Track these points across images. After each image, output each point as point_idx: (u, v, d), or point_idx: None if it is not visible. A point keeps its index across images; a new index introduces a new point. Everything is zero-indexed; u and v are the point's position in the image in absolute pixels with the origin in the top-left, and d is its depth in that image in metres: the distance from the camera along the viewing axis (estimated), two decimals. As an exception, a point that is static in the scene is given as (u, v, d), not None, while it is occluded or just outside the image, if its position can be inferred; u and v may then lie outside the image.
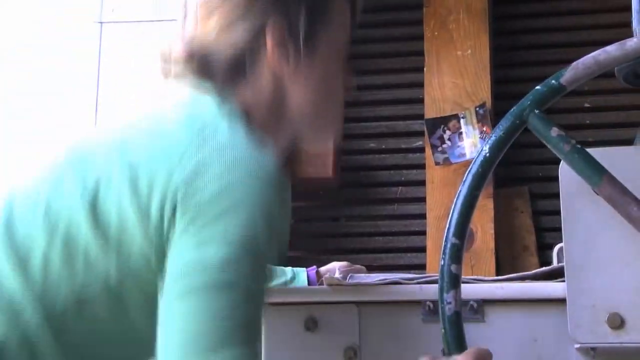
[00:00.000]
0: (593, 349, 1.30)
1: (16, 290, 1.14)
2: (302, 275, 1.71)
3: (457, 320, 1.16)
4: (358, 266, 1.80)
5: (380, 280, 1.43)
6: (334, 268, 1.78)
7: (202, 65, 1.26)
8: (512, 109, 1.23)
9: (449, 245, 1.18)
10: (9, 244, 1.16)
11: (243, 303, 1.08)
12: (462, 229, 1.18)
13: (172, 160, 1.12)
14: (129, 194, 1.12)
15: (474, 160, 1.21)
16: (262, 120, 1.26)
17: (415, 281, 1.41)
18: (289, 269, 1.73)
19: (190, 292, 1.07)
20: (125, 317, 1.17)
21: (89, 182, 1.16)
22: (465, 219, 1.19)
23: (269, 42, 1.25)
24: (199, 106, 1.21)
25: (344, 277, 1.51)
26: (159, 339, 1.08)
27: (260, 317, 1.12)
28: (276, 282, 1.69)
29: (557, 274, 1.39)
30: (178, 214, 1.10)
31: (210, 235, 1.09)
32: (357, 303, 1.43)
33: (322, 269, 1.78)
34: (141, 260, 1.13)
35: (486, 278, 1.45)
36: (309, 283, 1.71)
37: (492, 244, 2.66)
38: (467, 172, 1.20)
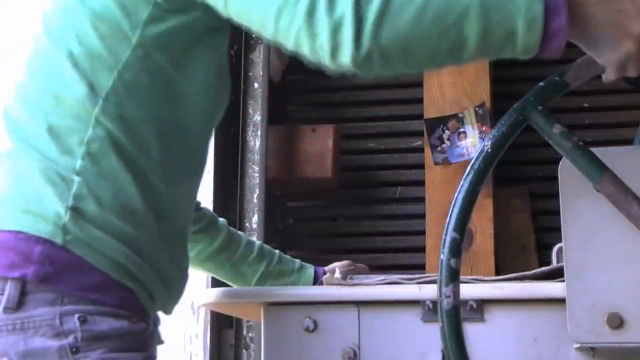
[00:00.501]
0: (593, 348, 1.30)
1: (77, 89, 1.22)
2: (309, 270, 1.71)
3: (456, 314, 1.16)
4: (360, 265, 1.80)
5: (379, 280, 1.43)
6: (344, 264, 1.78)
7: None
8: (514, 105, 1.23)
9: (448, 240, 1.17)
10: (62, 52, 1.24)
11: None
12: (463, 224, 1.18)
13: None
14: None
15: (475, 156, 1.20)
16: None
17: (415, 281, 1.41)
18: (297, 260, 1.73)
19: None
20: (163, 74, 1.24)
21: None
22: (466, 214, 1.18)
23: None
24: None
25: (344, 277, 1.51)
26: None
27: None
28: (283, 266, 1.68)
29: (556, 274, 1.38)
30: None
31: None
32: (357, 303, 1.43)
33: (327, 268, 1.77)
34: (151, 12, 1.22)
35: (486, 278, 1.45)
36: (316, 279, 1.71)
37: (491, 244, 2.66)
38: (469, 168, 1.20)
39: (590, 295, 1.24)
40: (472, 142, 2.68)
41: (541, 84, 1.23)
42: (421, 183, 2.78)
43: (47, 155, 1.20)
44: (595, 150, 1.28)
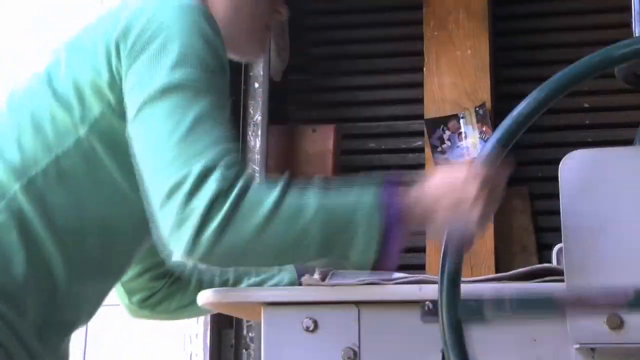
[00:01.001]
0: (592, 349, 1.29)
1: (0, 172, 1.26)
2: (289, 268, 1.71)
3: (456, 278, 1.16)
4: None
5: (359, 280, 1.43)
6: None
7: None
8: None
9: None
10: None
11: (196, 99, 1.19)
12: None
13: (110, 23, 1.28)
14: (78, 63, 1.29)
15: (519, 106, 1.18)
16: None
17: (394, 282, 1.41)
18: (274, 268, 1.73)
19: (143, 105, 1.20)
20: (102, 170, 1.27)
21: (42, 74, 1.31)
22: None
23: None
24: None
25: (323, 278, 1.51)
26: (138, 158, 1.20)
27: (222, 117, 1.21)
28: (263, 277, 1.68)
29: (536, 275, 1.39)
30: (122, 53, 1.24)
31: (154, 57, 1.21)
32: (357, 303, 1.42)
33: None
34: (104, 111, 1.26)
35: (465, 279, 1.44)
36: (298, 275, 1.70)
37: (491, 245, 2.66)
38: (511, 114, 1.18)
39: (590, 296, 1.24)
40: (473, 143, 2.68)
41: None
42: (421, 183, 2.77)
43: None
44: (595, 151, 1.28)
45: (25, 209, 1.24)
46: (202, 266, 1.21)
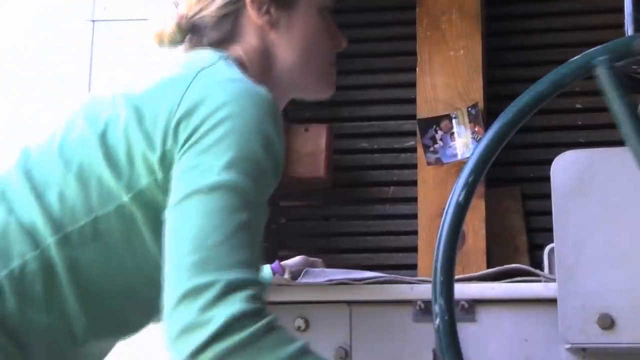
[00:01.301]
0: (583, 349, 1.30)
1: (36, 219, 1.26)
2: (265, 268, 1.71)
3: (453, 240, 1.16)
4: (314, 260, 1.80)
5: (327, 280, 1.43)
6: (298, 262, 1.77)
7: (193, 35, 1.43)
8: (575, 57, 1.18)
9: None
10: (28, 184, 1.28)
11: (242, 208, 1.16)
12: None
13: (174, 97, 1.25)
14: (135, 129, 1.25)
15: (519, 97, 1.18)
16: (254, 74, 1.37)
17: (364, 281, 1.42)
18: None
19: (189, 196, 1.17)
20: (137, 237, 1.26)
21: (99, 123, 1.30)
22: (489, 158, 1.18)
23: (248, 2, 1.41)
24: (197, 54, 1.36)
25: (294, 277, 1.51)
26: (167, 244, 1.17)
27: (259, 235, 1.19)
28: None
29: (509, 275, 1.39)
30: (181, 134, 1.22)
31: (212, 149, 1.19)
32: (349, 302, 1.43)
33: (286, 262, 1.77)
34: (151, 184, 1.25)
35: (427, 279, 1.44)
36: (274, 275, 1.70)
37: (483, 245, 2.66)
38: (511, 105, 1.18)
39: (581, 296, 1.25)
40: (465, 143, 2.68)
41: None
42: (413, 183, 2.78)
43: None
44: (586, 152, 1.29)
45: (55, 263, 1.24)
46: None
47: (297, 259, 1.80)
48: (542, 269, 1.96)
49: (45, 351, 1.25)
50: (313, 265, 1.71)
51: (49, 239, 1.25)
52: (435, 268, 1.16)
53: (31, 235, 1.25)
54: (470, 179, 1.17)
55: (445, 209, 1.17)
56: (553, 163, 1.30)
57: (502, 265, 2.67)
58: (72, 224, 1.25)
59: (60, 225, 1.25)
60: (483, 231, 2.67)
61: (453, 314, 1.14)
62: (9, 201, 1.28)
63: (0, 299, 1.21)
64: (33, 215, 1.26)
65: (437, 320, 1.14)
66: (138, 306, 1.34)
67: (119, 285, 1.29)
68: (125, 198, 1.25)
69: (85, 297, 1.26)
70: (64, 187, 1.27)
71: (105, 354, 1.40)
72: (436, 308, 1.14)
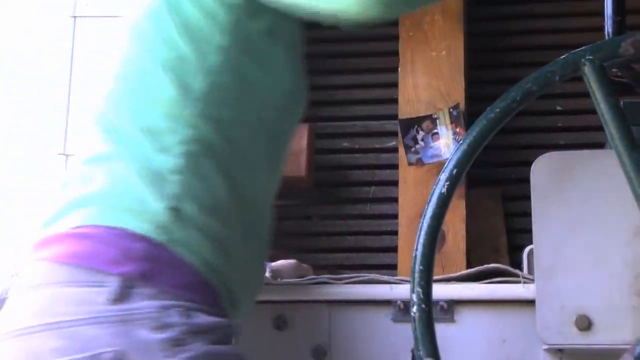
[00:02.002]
0: (561, 350, 1.30)
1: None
2: None
3: (434, 231, 1.17)
4: (305, 266, 1.80)
5: (299, 280, 1.44)
6: (288, 265, 1.78)
7: None
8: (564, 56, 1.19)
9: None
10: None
11: None
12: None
13: None
14: None
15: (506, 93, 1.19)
16: None
17: (344, 281, 1.42)
18: None
19: None
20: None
21: None
22: (471, 155, 1.18)
23: None
24: None
25: (274, 277, 1.51)
26: None
27: None
28: None
29: (488, 275, 1.40)
30: None
31: None
32: (328, 302, 1.43)
33: (273, 264, 1.77)
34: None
35: (407, 278, 1.45)
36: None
37: (463, 245, 2.67)
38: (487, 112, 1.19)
39: (560, 297, 1.25)
40: (446, 143, 2.69)
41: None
42: (395, 183, 2.78)
43: (143, 154, 1.22)
44: (566, 154, 1.29)
45: (205, 134, 1.24)
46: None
47: (289, 262, 1.80)
48: (521, 270, 1.97)
49: (240, 222, 1.26)
50: (302, 274, 1.71)
51: (187, 115, 1.24)
52: (415, 257, 1.16)
53: (173, 118, 1.25)
54: (454, 172, 1.17)
55: (428, 199, 1.17)
56: (532, 165, 1.30)
57: (482, 265, 2.68)
58: (195, 88, 1.25)
59: (187, 93, 1.25)
60: (463, 232, 2.67)
61: (430, 303, 1.15)
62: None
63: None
64: (166, 89, 1.26)
65: (414, 309, 1.14)
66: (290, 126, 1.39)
67: (261, 121, 1.31)
68: (220, 43, 1.26)
69: (249, 139, 1.29)
70: (169, 41, 1.26)
71: (270, 200, 1.44)
72: (414, 297, 1.15)
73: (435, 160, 2.69)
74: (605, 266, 1.25)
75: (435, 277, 1.42)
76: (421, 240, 1.17)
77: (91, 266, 1.15)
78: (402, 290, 1.39)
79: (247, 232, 1.29)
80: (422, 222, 1.18)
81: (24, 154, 2.75)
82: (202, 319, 1.16)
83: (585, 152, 1.32)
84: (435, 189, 1.18)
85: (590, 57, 1.16)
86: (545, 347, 1.28)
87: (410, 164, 2.72)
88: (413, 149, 2.72)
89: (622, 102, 1.28)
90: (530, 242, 1.37)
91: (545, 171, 1.29)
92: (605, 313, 1.24)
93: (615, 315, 1.24)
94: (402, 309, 1.40)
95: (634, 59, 1.19)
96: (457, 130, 2.67)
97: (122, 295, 1.13)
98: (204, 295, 1.19)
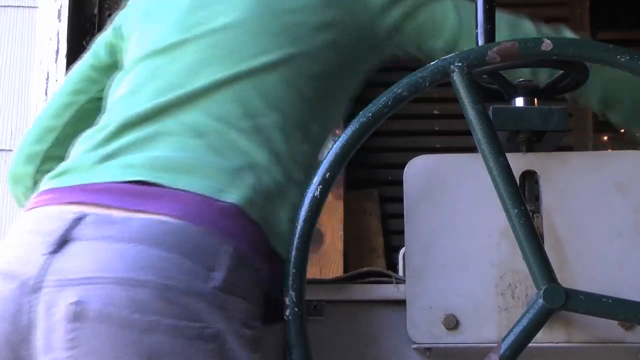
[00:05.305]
0: (428, 349, 1.33)
1: None
2: None
3: (307, 234, 1.18)
4: None
5: None
6: None
7: None
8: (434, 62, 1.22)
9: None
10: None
11: None
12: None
13: None
14: None
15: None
16: None
17: None
18: None
19: None
20: None
21: None
22: (345, 156, 1.19)
23: None
24: None
25: None
26: None
27: None
28: None
29: (362, 276, 1.43)
30: None
31: None
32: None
33: None
34: None
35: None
36: None
37: (340, 246, 2.70)
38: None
39: (429, 297, 1.28)
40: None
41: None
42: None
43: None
44: (438, 156, 1.32)
45: None
46: None
47: None
48: (397, 270, 2.00)
49: None
50: None
51: None
52: (288, 260, 1.16)
53: None
54: (327, 175, 1.18)
55: (302, 203, 1.18)
56: (405, 167, 1.32)
57: (359, 265, 2.71)
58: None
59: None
60: (341, 232, 2.70)
61: (303, 306, 1.16)
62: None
63: None
64: None
65: (288, 311, 1.15)
66: None
67: None
68: None
69: None
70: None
71: None
72: (287, 300, 1.15)
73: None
74: (472, 267, 1.28)
75: (309, 279, 1.44)
76: (295, 243, 1.17)
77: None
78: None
79: None
80: (296, 226, 1.18)
81: None
82: (275, 323, 1.18)
83: (456, 155, 1.35)
84: (308, 192, 1.18)
85: (459, 64, 1.18)
86: (414, 346, 1.31)
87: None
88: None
89: (491, 108, 1.31)
90: (405, 243, 1.39)
91: (417, 173, 1.32)
92: (472, 313, 1.27)
93: (481, 315, 1.27)
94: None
95: (501, 66, 1.22)
96: (336, 132, 2.69)
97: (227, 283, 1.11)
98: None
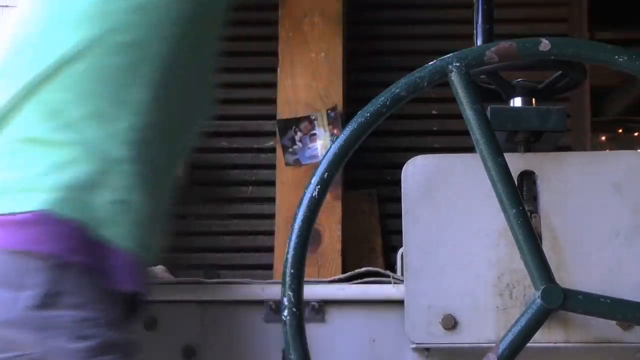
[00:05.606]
0: (427, 349, 1.33)
1: None
2: None
3: (305, 234, 1.17)
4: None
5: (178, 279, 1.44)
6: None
7: None
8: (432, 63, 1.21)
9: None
10: None
11: None
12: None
13: None
14: None
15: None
16: None
17: (216, 281, 1.43)
18: None
19: None
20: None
21: None
22: (344, 156, 1.19)
23: None
24: None
25: None
26: None
27: None
28: None
29: (360, 277, 1.43)
30: None
31: None
32: (199, 302, 1.42)
33: None
34: None
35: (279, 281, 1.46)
36: None
37: (339, 246, 2.70)
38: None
39: (427, 297, 1.28)
40: (324, 144, 2.71)
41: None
42: (272, 183, 2.79)
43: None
44: (436, 157, 1.32)
45: None
46: None
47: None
48: (395, 270, 2.00)
49: None
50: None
51: None
52: (286, 260, 1.16)
53: None
54: (325, 175, 1.18)
55: (299, 203, 1.18)
56: (403, 167, 1.32)
57: (358, 265, 2.71)
58: None
59: None
60: (339, 232, 2.70)
61: (301, 306, 1.15)
62: None
63: None
64: None
65: (285, 312, 1.15)
66: None
67: None
68: None
69: None
70: None
71: None
72: (285, 300, 1.15)
73: (312, 161, 2.70)
74: (470, 267, 1.28)
75: (306, 280, 1.44)
76: (292, 243, 1.17)
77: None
78: (273, 291, 1.39)
79: None
80: (294, 226, 1.18)
81: None
82: (119, 333, 1.12)
83: (454, 155, 1.35)
84: (306, 192, 1.18)
85: (457, 64, 1.18)
86: (413, 346, 1.31)
87: (287, 164, 2.73)
88: (291, 150, 2.73)
89: (489, 108, 1.31)
90: (404, 244, 1.39)
91: (415, 174, 1.32)
92: (470, 313, 1.27)
93: (480, 315, 1.27)
94: (273, 309, 1.40)
95: (499, 67, 1.22)
96: (335, 132, 2.69)
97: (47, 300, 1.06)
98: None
